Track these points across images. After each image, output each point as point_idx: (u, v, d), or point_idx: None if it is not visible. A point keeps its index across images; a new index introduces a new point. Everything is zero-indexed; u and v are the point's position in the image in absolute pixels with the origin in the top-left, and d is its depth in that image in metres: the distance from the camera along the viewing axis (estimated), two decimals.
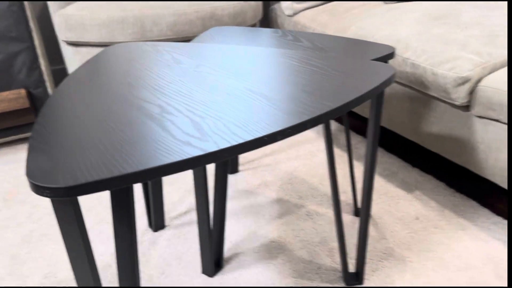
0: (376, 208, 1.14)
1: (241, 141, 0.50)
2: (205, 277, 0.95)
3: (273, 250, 1.01)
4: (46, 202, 1.21)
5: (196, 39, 1.05)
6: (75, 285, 0.93)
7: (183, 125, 0.54)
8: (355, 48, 0.95)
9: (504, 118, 0.95)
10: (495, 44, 1.05)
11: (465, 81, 0.99)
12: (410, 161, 1.35)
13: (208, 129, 0.52)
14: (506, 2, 1.27)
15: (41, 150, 0.49)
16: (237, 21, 1.49)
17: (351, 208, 1.15)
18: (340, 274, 0.94)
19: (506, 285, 0.81)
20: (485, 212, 1.11)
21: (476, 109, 1.01)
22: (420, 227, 1.07)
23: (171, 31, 1.39)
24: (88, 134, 0.52)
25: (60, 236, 1.08)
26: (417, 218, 1.10)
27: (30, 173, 0.45)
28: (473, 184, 1.22)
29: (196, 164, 0.47)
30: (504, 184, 1.01)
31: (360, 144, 1.46)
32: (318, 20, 1.48)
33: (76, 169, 0.45)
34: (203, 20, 1.41)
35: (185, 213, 1.15)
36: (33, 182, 0.43)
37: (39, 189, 0.43)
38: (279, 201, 1.19)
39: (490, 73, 1.01)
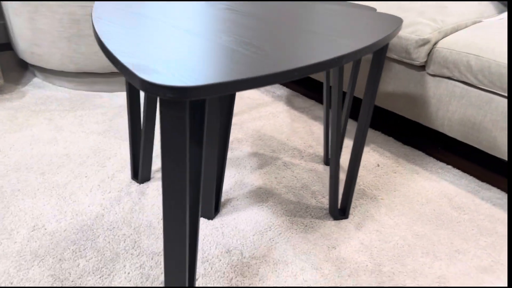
0: (342, 159, 1.26)
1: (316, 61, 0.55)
2: (205, 220, 0.98)
3: (262, 195, 1.08)
4: (6, 159, 1.12)
5: None
6: (65, 234, 0.89)
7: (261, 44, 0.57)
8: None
9: (457, 75, 1.12)
10: (445, 13, 1.22)
11: (425, 42, 1.14)
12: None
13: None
14: None
15: (141, 58, 0.49)
16: None
17: (320, 159, 1.25)
18: (326, 212, 1.04)
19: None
20: (431, 159, 1.29)
21: (431, 68, 1.17)
22: (382, 172, 1.21)
23: None
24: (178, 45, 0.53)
25: (36, 191, 1.02)
26: (378, 165, 1.24)
27: (147, 75, 0.46)
28: (417, 137, 1.41)
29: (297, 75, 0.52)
30: (450, 133, 1.19)
31: (314, 107, 1.57)
32: None
33: (196, 72, 0.47)
34: None
35: None
36: (156, 82, 0.44)
37: (162, 90, 0.44)
38: (255, 154, 1.25)
39: (443, 37, 1.17)
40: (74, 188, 1.05)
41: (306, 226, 0.99)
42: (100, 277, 0.81)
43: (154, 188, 1.07)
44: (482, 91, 1.10)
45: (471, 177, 1.22)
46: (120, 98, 1.51)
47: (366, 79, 1.27)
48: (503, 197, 1.14)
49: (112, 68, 1.48)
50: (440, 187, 1.17)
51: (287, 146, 1.30)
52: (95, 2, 0.75)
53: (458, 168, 1.26)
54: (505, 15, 1.30)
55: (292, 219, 1.00)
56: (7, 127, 1.28)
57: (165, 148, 0.51)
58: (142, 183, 1.08)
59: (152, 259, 0.87)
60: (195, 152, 0.58)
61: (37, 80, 1.60)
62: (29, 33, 1.40)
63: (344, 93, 1.62)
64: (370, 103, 0.90)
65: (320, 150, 1.30)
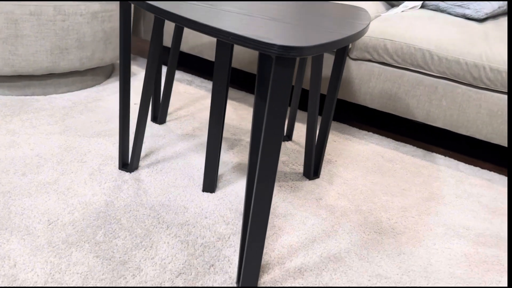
0: (294, 136, 1.47)
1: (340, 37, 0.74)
2: (208, 194, 1.08)
3: (244, 169, 1.22)
4: None
5: None
6: (86, 222, 0.91)
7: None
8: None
9: (376, 57, 1.42)
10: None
11: None
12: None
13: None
14: None
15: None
16: None
17: None
18: (301, 175, 1.23)
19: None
20: (355, 129, 1.58)
21: (354, 53, 1.45)
22: (330, 141, 1.45)
23: None
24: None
25: (29, 190, 0.99)
26: None
27: (280, 41, 0.59)
28: (342, 112, 1.69)
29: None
30: (372, 105, 1.49)
31: (247, 97, 1.75)
32: None
33: (295, 38, 0.61)
34: None
35: (147, 155, 1.21)
36: (290, 45, 0.58)
37: (293, 50, 0.58)
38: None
39: None
40: (66, 183, 1.04)
41: (291, 187, 1.16)
42: (144, 250, 0.87)
43: (147, 174, 1.12)
44: (395, 68, 1.41)
45: (389, 139, 1.54)
46: (59, 100, 1.47)
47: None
48: (416, 149, 1.48)
49: (50, 69, 1.44)
50: (370, 148, 1.45)
51: (243, 129, 1.46)
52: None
53: (378, 134, 1.58)
54: (394, 9, 1.66)
55: (279, 184, 1.17)
56: None
57: (274, 96, 0.64)
58: (132, 172, 1.13)
59: (182, 228, 0.95)
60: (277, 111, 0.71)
61: None
62: None
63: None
64: (334, 87, 1.12)
65: None
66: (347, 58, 1.48)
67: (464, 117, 1.36)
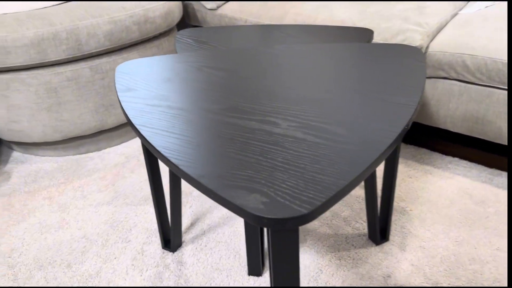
0: None
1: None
2: (254, 277, 0.96)
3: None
4: (23, 257, 1.05)
5: (179, 47, 1.01)
6: None
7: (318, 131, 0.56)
8: (338, 34, 1.04)
9: (453, 75, 1.15)
10: (426, 14, 1.24)
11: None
12: None
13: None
14: None
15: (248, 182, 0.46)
16: (168, 21, 1.44)
17: None
18: (366, 237, 1.05)
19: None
20: (438, 155, 1.33)
21: (427, 71, 1.19)
22: (399, 180, 1.24)
23: (109, 41, 1.28)
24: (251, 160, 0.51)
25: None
26: None
27: (250, 207, 0.43)
28: (418, 134, 1.44)
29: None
30: (454, 129, 1.23)
31: None
32: (248, 11, 1.52)
33: (298, 191, 0.45)
34: (138, 25, 1.33)
35: (192, 225, 1.12)
36: (263, 215, 0.42)
37: (283, 223, 0.42)
38: None
39: (432, 39, 1.20)
40: (108, 275, 0.99)
41: (353, 259, 0.99)
42: None
43: (190, 254, 1.03)
44: (480, 86, 1.13)
45: (479, 166, 1.27)
46: (111, 155, 1.44)
47: None
48: None
49: (99, 127, 1.40)
50: (456, 183, 1.20)
51: None
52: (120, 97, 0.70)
53: (465, 158, 1.31)
54: (475, 4, 1.34)
55: (338, 255, 1.00)
56: (7, 219, 1.19)
57: (278, 275, 0.49)
58: (175, 251, 1.04)
59: None
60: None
61: (17, 154, 1.49)
62: (4, 112, 1.30)
63: None
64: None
65: None
66: None
67: None
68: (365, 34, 1.04)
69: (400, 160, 1.32)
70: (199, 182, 0.48)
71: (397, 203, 1.15)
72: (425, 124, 1.29)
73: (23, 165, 1.43)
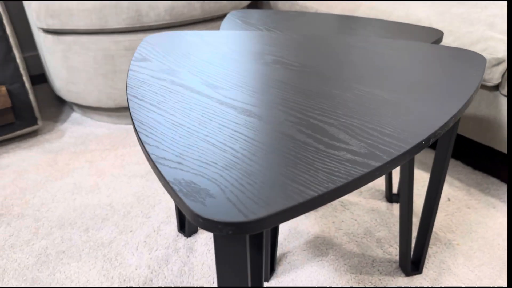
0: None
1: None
2: None
3: (320, 246, 0.97)
4: (50, 214, 1.08)
5: (223, 26, 0.96)
6: None
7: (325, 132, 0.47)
8: (405, 32, 0.91)
9: None
10: None
11: (500, 62, 0.99)
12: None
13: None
14: None
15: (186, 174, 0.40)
16: (234, 3, 1.39)
17: (382, 194, 1.13)
18: (396, 265, 0.92)
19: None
20: (505, 186, 1.14)
21: (506, 88, 1.02)
22: (454, 209, 1.08)
23: (169, 15, 1.27)
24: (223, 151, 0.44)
25: (81, 252, 0.96)
26: (448, 200, 1.11)
27: (195, 207, 0.36)
28: (489, 161, 1.25)
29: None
30: None
31: None
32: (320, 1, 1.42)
33: (257, 192, 0.37)
34: (201, 2, 1.30)
35: None
36: (209, 218, 0.35)
37: (216, 226, 0.35)
38: None
39: None
40: (119, 247, 0.98)
41: (374, 286, 0.87)
42: None
43: (203, 242, 0.99)
44: None
45: None
46: None
47: None
48: None
49: None
50: None
51: None
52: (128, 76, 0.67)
53: None
54: None
55: (358, 278, 0.89)
56: (48, 174, 1.24)
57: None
58: (190, 236, 1.00)
59: None
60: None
61: (76, 115, 1.55)
62: (65, 72, 1.35)
63: None
64: (451, 133, 0.78)
65: (380, 182, 1.18)
66: (498, 93, 1.06)
67: None
68: (433, 34, 0.90)
69: (462, 186, 1.15)
70: (155, 165, 0.42)
71: (444, 233, 1.00)
72: (499, 150, 1.11)
73: (77, 126, 1.49)
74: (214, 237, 0.38)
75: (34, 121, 1.37)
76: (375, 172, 0.41)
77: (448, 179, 1.18)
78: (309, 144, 0.45)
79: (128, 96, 0.56)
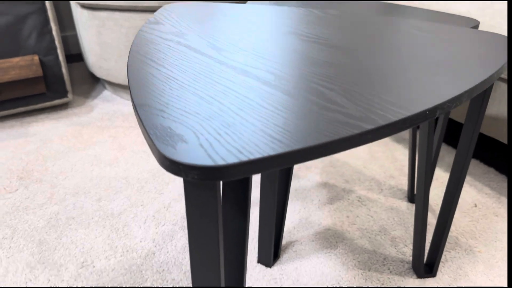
0: (430, 194, 1.07)
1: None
2: (262, 267, 0.86)
3: (330, 239, 0.93)
4: (66, 182, 1.09)
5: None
6: (113, 275, 0.83)
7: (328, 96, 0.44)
8: (439, 19, 0.86)
9: None
10: None
11: None
12: (454, 144, 1.28)
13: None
14: None
15: (163, 118, 0.38)
16: None
17: (403, 194, 1.08)
18: (408, 266, 0.87)
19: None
20: None
21: None
22: (480, 215, 1.01)
23: None
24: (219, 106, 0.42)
25: (90, 220, 0.97)
26: (475, 206, 1.04)
27: (165, 149, 0.34)
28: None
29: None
30: None
31: None
32: None
33: (226, 145, 0.35)
34: None
35: None
36: (175, 159, 0.33)
37: (182, 169, 0.33)
38: (325, 185, 1.10)
39: None
40: (128, 218, 0.98)
41: (382, 284, 0.83)
42: None
43: None
44: None
45: None
46: None
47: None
48: None
49: None
50: None
51: (363, 175, 1.14)
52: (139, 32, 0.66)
53: None
54: None
55: (366, 274, 0.85)
56: (71, 145, 1.26)
57: (192, 237, 0.39)
58: None
59: None
60: (238, 227, 0.46)
61: (106, 93, 1.58)
62: (97, 48, 1.38)
63: None
64: (474, 130, 0.72)
65: (403, 182, 1.12)
66: None
67: None
68: (469, 22, 0.84)
69: (492, 194, 1.08)
70: (136, 110, 0.41)
71: (465, 239, 0.94)
72: None
73: (107, 103, 1.51)
74: (184, 184, 0.36)
75: (64, 94, 1.41)
76: (366, 134, 0.38)
77: (478, 185, 1.11)
78: (301, 104, 0.42)
79: (131, 52, 0.55)
